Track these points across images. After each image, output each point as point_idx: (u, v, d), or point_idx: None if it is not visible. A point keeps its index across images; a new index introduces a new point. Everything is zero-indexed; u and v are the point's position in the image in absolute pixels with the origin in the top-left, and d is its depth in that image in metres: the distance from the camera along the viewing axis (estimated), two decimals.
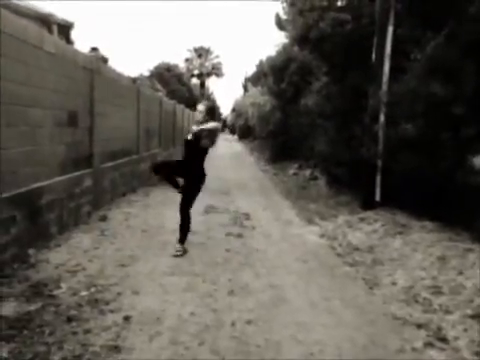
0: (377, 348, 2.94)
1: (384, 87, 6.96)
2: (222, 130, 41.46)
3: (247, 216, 6.93)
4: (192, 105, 20.50)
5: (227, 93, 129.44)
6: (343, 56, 8.15)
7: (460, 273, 4.14)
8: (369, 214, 6.77)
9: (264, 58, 23.17)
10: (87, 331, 2.95)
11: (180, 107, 17.81)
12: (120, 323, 3.10)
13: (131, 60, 79.79)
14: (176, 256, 4.72)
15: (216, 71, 56.18)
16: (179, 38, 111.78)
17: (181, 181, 5.09)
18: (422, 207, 6.17)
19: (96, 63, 6.63)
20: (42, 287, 3.63)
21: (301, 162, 13.54)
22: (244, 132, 34.28)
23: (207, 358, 2.73)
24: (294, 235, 5.95)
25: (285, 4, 10.58)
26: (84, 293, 3.57)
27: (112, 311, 3.28)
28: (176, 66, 37.87)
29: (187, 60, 54.59)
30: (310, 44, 8.94)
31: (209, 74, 55.90)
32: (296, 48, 12.31)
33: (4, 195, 3.94)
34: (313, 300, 3.72)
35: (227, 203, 8.01)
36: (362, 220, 6.52)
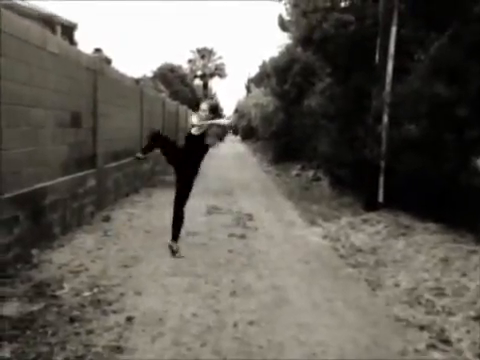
0: (380, 349, 2.93)
1: (387, 88, 6.94)
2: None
3: (250, 217, 6.93)
4: (195, 106, 20.49)
5: (230, 94, 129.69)
6: (346, 57, 8.13)
7: (463, 275, 4.12)
8: (372, 215, 6.75)
9: (267, 59, 23.15)
10: (90, 332, 2.95)
11: (183, 108, 17.85)
12: (122, 324, 3.10)
13: (134, 61, 79.93)
14: (174, 252, 4.73)
15: (219, 72, 56.17)
16: (182, 39, 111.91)
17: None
18: (425, 208, 6.15)
19: (99, 64, 6.66)
20: (45, 287, 3.64)
21: (304, 163, 13.54)
22: (247, 133, 34.30)
23: (209, 359, 2.73)
24: (297, 236, 5.94)
25: (288, 5, 10.57)
26: (87, 294, 3.58)
27: (115, 312, 3.29)
28: (179, 67, 37.92)
29: (190, 61, 54.63)
30: (313, 45, 8.93)
31: (212, 75, 55.90)
32: (299, 49, 12.29)
33: (7, 195, 3.96)
34: (316, 301, 3.71)
35: (230, 204, 8.01)
36: (365, 221, 6.50)
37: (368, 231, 6.02)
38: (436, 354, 2.91)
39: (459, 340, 3.05)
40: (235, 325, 3.19)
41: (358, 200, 7.85)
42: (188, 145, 4.90)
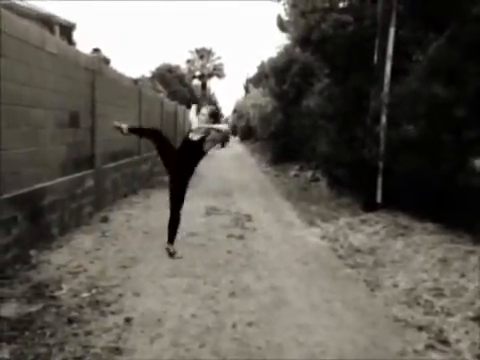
0: (378, 350, 2.93)
1: (386, 88, 6.95)
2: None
3: (248, 218, 6.93)
4: (189, 103, 20.45)
5: (228, 94, 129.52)
6: (345, 57, 8.14)
7: (462, 275, 4.13)
8: (370, 216, 6.76)
9: (265, 59, 23.18)
10: (88, 333, 2.95)
11: (181, 108, 17.83)
12: (121, 325, 3.10)
13: (133, 61, 79.82)
14: (171, 255, 4.72)
15: (217, 72, 56.11)
16: (181, 39, 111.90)
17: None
18: (424, 209, 6.16)
19: (98, 64, 6.65)
20: (43, 288, 3.63)
21: (302, 163, 13.54)
22: (245, 133, 34.28)
23: (208, 359, 2.73)
24: (295, 237, 5.94)
25: (287, 5, 10.59)
26: (85, 294, 3.57)
27: (113, 313, 3.28)
28: (178, 67, 37.93)
29: (189, 61, 54.56)
30: (312, 45, 8.95)
31: (210, 75, 55.84)
32: (298, 49, 12.30)
33: (5, 196, 3.95)
34: (314, 302, 3.71)
35: (228, 204, 8.01)
36: (363, 222, 6.51)
37: (366, 231, 6.02)
38: (435, 355, 2.91)
39: (458, 341, 3.05)
40: (234, 326, 3.18)
41: (356, 200, 7.86)
42: (184, 149, 4.81)
